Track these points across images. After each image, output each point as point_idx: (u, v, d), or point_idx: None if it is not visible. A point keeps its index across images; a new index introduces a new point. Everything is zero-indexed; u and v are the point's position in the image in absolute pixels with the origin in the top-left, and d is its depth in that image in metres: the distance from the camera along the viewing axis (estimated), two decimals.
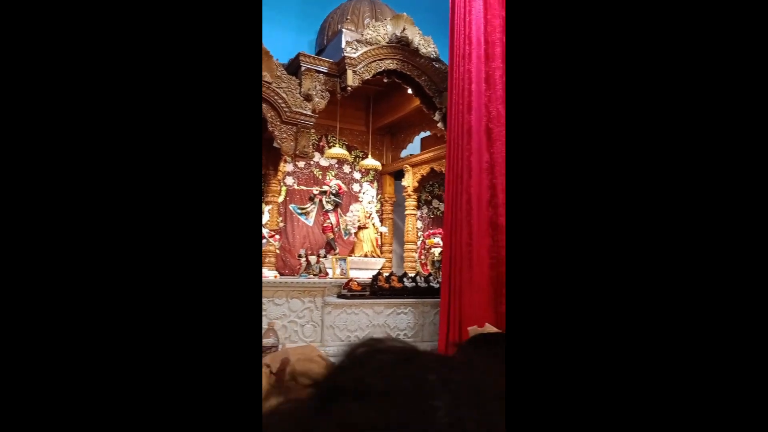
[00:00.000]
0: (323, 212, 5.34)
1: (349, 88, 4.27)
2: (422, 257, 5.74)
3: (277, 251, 4.92)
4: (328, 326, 3.93)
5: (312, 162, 5.50)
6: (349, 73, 4.24)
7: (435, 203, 6.04)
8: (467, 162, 3.73)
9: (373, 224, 5.43)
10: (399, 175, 5.80)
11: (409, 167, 5.55)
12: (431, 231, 5.82)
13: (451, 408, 0.29)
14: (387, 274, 4.40)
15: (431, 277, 4.56)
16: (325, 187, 5.37)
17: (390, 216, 5.90)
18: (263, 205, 4.80)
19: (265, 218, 4.57)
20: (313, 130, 4.42)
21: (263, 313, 3.74)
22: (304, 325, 3.87)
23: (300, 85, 4.24)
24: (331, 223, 5.26)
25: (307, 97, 4.25)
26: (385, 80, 4.70)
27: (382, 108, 5.52)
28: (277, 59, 4.18)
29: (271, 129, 4.11)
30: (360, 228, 5.37)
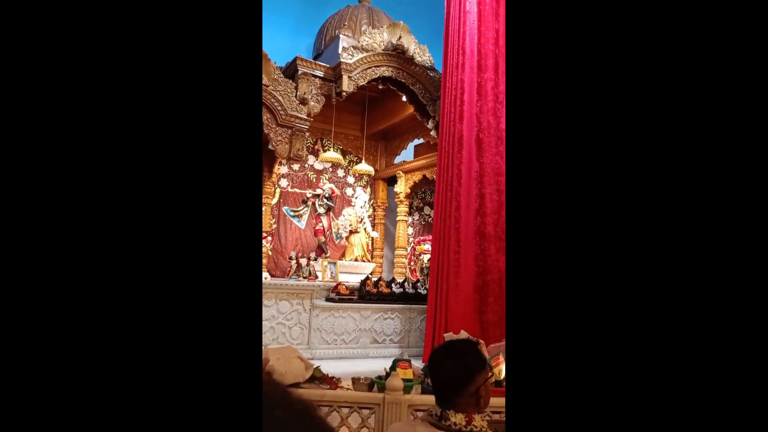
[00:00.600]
0: (316, 215, 5.38)
1: (344, 93, 4.32)
2: (412, 263, 5.78)
3: (269, 253, 4.95)
4: (315, 329, 3.96)
5: (306, 165, 5.54)
6: (345, 78, 4.29)
7: (426, 210, 6.10)
8: (457, 170, 3.78)
9: (365, 229, 5.47)
10: (392, 180, 5.85)
11: (401, 173, 5.60)
12: (421, 238, 5.87)
13: None
14: (375, 279, 4.44)
15: (419, 284, 4.60)
16: (319, 191, 5.41)
17: (382, 221, 5.94)
18: None
19: None
20: (308, 134, 4.46)
21: None
22: (292, 327, 3.90)
23: (296, 88, 4.28)
24: (323, 227, 5.29)
25: (303, 101, 4.30)
26: (380, 87, 4.76)
27: (376, 114, 5.58)
28: (275, 62, 4.22)
29: (266, 131, 4.15)
30: (351, 232, 5.41)
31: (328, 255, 5.07)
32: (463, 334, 2.19)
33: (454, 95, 3.90)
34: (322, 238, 5.21)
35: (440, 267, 3.83)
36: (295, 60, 4.38)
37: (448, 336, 2.03)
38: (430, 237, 5.51)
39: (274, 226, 5.21)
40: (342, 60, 4.29)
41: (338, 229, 5.46)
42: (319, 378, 1.82)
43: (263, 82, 4.07)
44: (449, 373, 1.01)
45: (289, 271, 4.72)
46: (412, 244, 5.86)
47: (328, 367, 2.10)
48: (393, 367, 1.87)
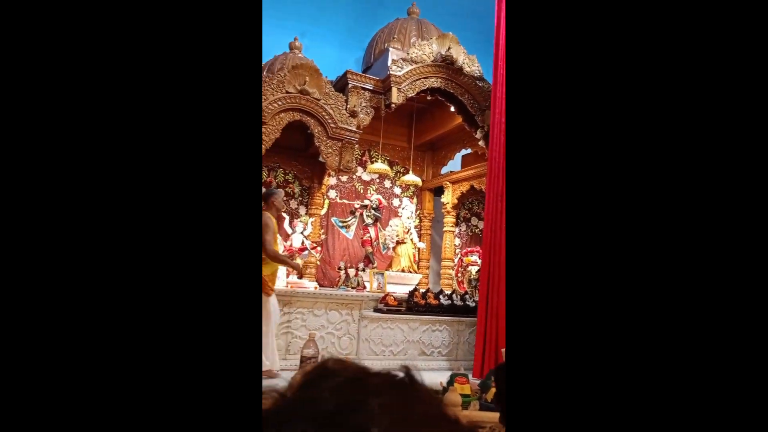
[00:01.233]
0: (363, 226, 5.43)
1: (393, 105, 4.36)
2: (459, 275, 5.72)
3: (318, 263, 5.03)
4: (364, 339, 3.98)
5: (354, 176, 5.61)
6: (394, 90, 4.33)
7: (474, 221, 6.02)
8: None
9: (411, 239, 5.46)
10: (439, 191, 5.83)
11: (449, 184, 5.57)
12: (469, 249, 5.80)
13: None
14: (423, 291, 4.42)
15: (468, 296, 4.53)
16: (366, 202, 5.46)
17: (428, 232, 5.92)
18: (307, 216, 4.93)
19: (308, 230, 4.70)
20: (356, 146, 4.53)
21: (303, 323, 3.83)
22: (341, 337, 3.94)
23: (346, 101, 4.37)
24: (370, 237, 5.33)
25: (353, 114, 4.37)
26: (429, 98, 4.77)
27: (424, 124, 5.58)
28: (326, 76, 4.33)
29: (317, 144, 4.25)
30: (398, 243, 5.42)
31: (375, 265, 5.09)
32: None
33: (504, 105, 3.85)
34: (370, 249, 5.24)
35: (490, 280, 3.77)
36: (345, 74, 4.47)
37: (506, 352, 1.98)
38: (478, 248, 5.43)
39: (323, 236, 5.29)
40: (391, 72, 4.33)
41: (385, 239, 5.48)
42: None
43: (315, 96, 4.17)
44: None
45: (338, 281, 4.78)
46: (459, 256, 5.80)
47: None
48: (451, 382, 1.85)
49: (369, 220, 5.37)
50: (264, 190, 3.59)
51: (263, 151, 4.00)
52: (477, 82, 4.64)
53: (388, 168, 5.09)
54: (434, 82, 4.50)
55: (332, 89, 4.32)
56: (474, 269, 5.29)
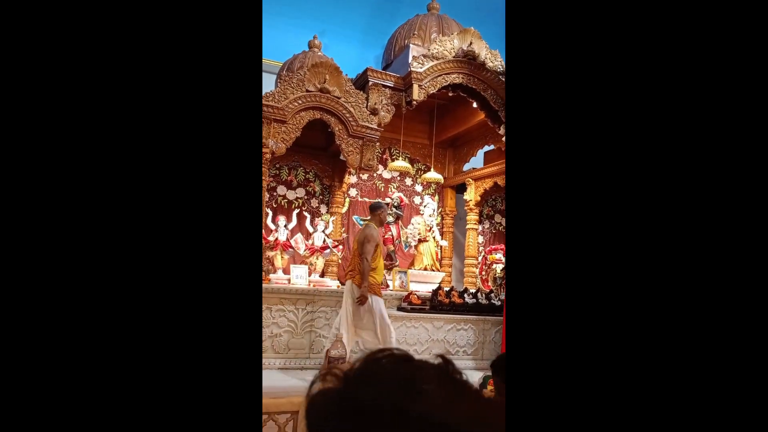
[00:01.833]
0: (385, 224, 5.39)
1: (414, 102, 4.31)
2: (483, 273, 5.64)
3: (340, 261, 5.02)
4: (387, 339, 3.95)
5: (375, 174, 5.58)
6: (415, 87, 4.28)
7: (497, 218, 5.93)
8: None
9: (434, 237, 5.41)
10: (461, 188, 5.76)
11: (471, 181, 5.50)
12: (493, 246, 5.71)
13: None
14: (447, 289, 4.36)
15: (493, 294, 4.46)
16: (388, 200, 5.43)
17: (450, 230, 5.85)
18: (328, 215, 4.92)
19: (330, 228, 4.69)
20: (377, 143, 4.50)
21: (326, 322, 3.82)
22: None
23: (367, 99, 4.34)
24: (392, 235, 5.29)
25: (374, 111, 4.34)
26: (450, 94, 4.70)
27: (445, 121, 5.52)
28: (346, 74, 4.30)
29: (338, 142, 4.23)
30: (420, 241, 5.37)
31: (397, 264, 5.06)
32: None
33: None
34: (392, 247, 5.21)
35: None
36: (365, 71, 4.44)
37: None
38: (503, 246, 5.35)
39: (344, 235, 5.28)
40: (412, 69, 4.28)
41: (407, 237, 5.44)
42: None
43: (335, 94, 4.15)
44: None
45: None
46: (483, 253, 5.72)
47: None
48: (484, 384, 1.80)
49: (390, 219, 5.33)
50: (370, 202, 3.60)
51: (284, 150, 4.01)
52: (500, 77, 4.55)
53: (409, 166, 5.04)
54: (456, 78, 4.44)
55: (352, 87, 4.30)
56: (499, 267, 5.20)
